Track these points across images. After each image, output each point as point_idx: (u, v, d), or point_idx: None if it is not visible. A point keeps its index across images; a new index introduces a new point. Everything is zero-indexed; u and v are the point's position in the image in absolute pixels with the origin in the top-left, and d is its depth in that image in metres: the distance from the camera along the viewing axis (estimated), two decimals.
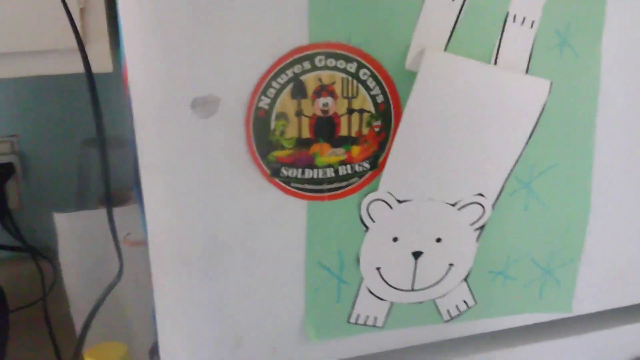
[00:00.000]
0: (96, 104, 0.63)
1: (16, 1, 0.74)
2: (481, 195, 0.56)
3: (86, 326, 0.75)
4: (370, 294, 0.57)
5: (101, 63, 0.81)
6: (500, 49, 0.52)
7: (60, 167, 1.07)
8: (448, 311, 0.60)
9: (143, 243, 0.59)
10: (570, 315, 0.65)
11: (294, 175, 0.52)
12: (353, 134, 0.52)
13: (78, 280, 0.89)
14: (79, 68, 0.63)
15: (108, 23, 0.80)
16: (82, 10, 0.78)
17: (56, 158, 1.07)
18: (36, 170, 1.07)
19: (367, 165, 0.53)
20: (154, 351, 0.64)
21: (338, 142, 0.52)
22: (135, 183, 0.57)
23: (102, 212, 0.75)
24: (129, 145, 0.58)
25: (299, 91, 0.50)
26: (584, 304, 0.65)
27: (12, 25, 0.74)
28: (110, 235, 0.71)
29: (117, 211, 0.71)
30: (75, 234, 0.86)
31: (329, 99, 0.50)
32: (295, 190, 0.52)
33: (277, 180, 0.51)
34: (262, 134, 0.50)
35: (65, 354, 0.92)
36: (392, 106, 0.52)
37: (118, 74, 0.73)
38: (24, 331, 0.97)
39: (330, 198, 0.53)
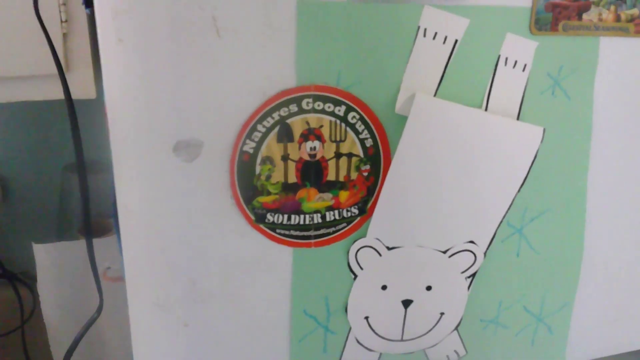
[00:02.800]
0: (76, 131, 0.61)
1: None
2: (473, 242, 0.54)
3: None
4: (358, 344, 0.55)
5: (84, 89, 0.80)
6: (492, 92, 0.51)
7: (40, 191, 1.05)
8: None
9: (123, 279, 0.57)
10: None
11: (280, 221, 0.50)
12: (341, 179, 0.50)
13: (57, 311, 0.87)
14: (62, 94, 0.62)
15: (92, 48, 0.78)
16: (65, 36, 0.77)
17: (37, 183, 1.05)
18: (16, 194, 1.05)
19: (355, 211, 0.51)
20: None
21: (325, 187, 0.50)
22: (114, 215, 0.55)
23: (81, 243, 0.73)
24: (110, 171, 0.56)
25: (286, 135, 0.48)
26: (577, 352, 0.64)
27: None
28: (90, 266, 0.69)
29: (97, 242, 0.70)
30: (54, 265, 0.84)
31: (316, 143, 0.49)
32: (281, 237, 0.50)
33: (262, 226, 0.50)
34: (246, 178, 0.48)
35: None
36: (381, 150, 0.50)
37: (101, 99, 0.71)
38: (1, 358, 0.95)
39: (317, 244, 0.51)
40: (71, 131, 0.60)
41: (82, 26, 0.77)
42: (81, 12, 0.76)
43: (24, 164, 1.04)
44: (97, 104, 0.73)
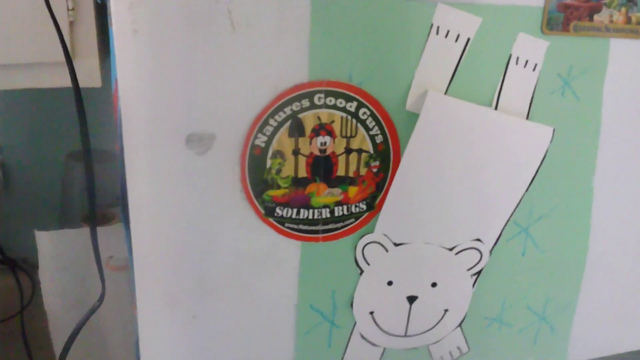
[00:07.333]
0: (83, 119, 0.61)
1: (5, 14, 0.72)
2: (479, 240, 0.55)
3: (65, 351, 0.73)
4: (362, 339, 0.56)
5: (90, 78, 0.79)
6: (502, 91, 0.51)
7: (43, 179, 1.05)
8: (441, 357, 0.59)
9: (126, 268, 0.57)
10: None
11: (289, 215, 0.50)
12: (350, 174, 0.50)
13: (58, 299, 0.87)
14: (68, 82, 0.61)
15: (98, 37, 0.78)
16: (71, 24, 0.77)
17: (40, 170, 1.05)
18: (19, 181, 1.05)
19: (363, 207, 0.52)
20: None
21: (335, 182, 0.50)
22: (122, 204, 0.55)
23: (85, 231, 0.73)
24: (115, 159, 0.56)
25: (297, 129, 0.48)
26: (579, 350, 0.64)
27: (1, 38, 0.72)
28: (93, 254, 0.69)
29: (101, 231, 0.69)
30: (56, 253, 0.84)
31: (327, 138, 0.49)
32: (290, 231, 0.51)
33: (271, 220, 0.50)
34: (257, 172, 0.48)
35: None
36: (391, 147, 0.51)
37: (106, 87, 0.71)
38: (0, 344, 0.95)
39: (325, 239, 0.52)
40: (78, 119, 0.60)
41: (89, 14, 0.76)
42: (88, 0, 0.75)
43: (26, 151, 1.03)
44: (101, 93, 0.73)
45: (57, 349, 0.88)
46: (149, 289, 0.50)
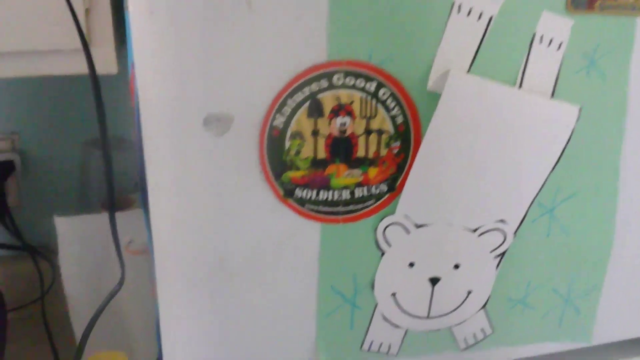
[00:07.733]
0: (100, 106, 0.61)
1: (22, 2, 0.72)
2: (503, 221, 0.54)
3: (86, 335, 0.73)
4: (384, 321, 0.55)
5: (106, 64, 0.79)
6: (526, 70, 0.50)
7: (61, 166, 1.05)
8: (465, 339, 0.59)
9: (145, 251, 0.57)
10: (590, 345, 0.63)
11: (309, 196, 0.50)
12: (371, 155, 0.50)
13: (78, 284, 0.87)
14: (84, 69, 0.61)
15: (113, 24, 0.78)
16: (87, 11, 0.77)
17: (57, 157, 1.05)
18: (37, 168, 1.06)
19: (384, 188, 0.51)
20: None
21: (355, 163, 0.50)
22: (141, 188, 0.55)
23: (104, 217, 0.73)
24: (132, 146, 0.56)
25: (316, 110, 0.48)
26: (604, 333, 0.63)
27: (17, 25, 0.72)
28: (112, 239, 0.69)
29: (119, 215, 0.70)
30: (76, 238, 0.85)
31: (346, 119, 0.48)
32: (310, 212, 0.50)
33: (290, 201, 0.49)
34: (276, 153, 0.48)
35: (63, 353, 0.90)
36: (411, 127, 0.50)
37: (122, 74, 0.71)
38: (21, 330, 0.96)
39: (345, 221, 0.51)
40: (95, 107, 0.60)
41: (104, 1, 0.76)
42: None
43: (44, 138, 1.04)
44: (117, 80, 0.73)
45: (78, 333, 0.89)
46: (169, 272, 0.50)
